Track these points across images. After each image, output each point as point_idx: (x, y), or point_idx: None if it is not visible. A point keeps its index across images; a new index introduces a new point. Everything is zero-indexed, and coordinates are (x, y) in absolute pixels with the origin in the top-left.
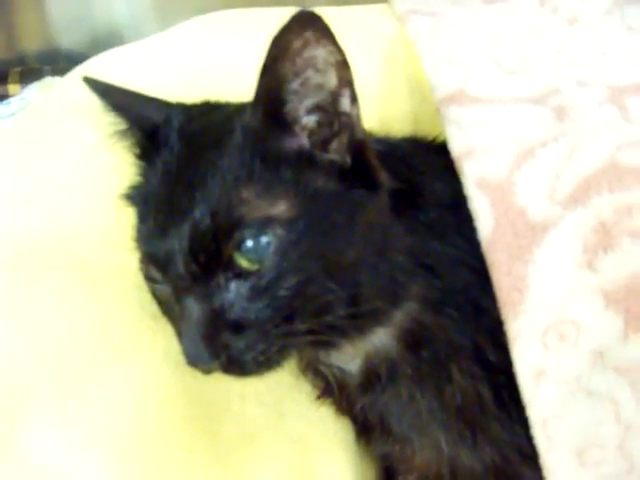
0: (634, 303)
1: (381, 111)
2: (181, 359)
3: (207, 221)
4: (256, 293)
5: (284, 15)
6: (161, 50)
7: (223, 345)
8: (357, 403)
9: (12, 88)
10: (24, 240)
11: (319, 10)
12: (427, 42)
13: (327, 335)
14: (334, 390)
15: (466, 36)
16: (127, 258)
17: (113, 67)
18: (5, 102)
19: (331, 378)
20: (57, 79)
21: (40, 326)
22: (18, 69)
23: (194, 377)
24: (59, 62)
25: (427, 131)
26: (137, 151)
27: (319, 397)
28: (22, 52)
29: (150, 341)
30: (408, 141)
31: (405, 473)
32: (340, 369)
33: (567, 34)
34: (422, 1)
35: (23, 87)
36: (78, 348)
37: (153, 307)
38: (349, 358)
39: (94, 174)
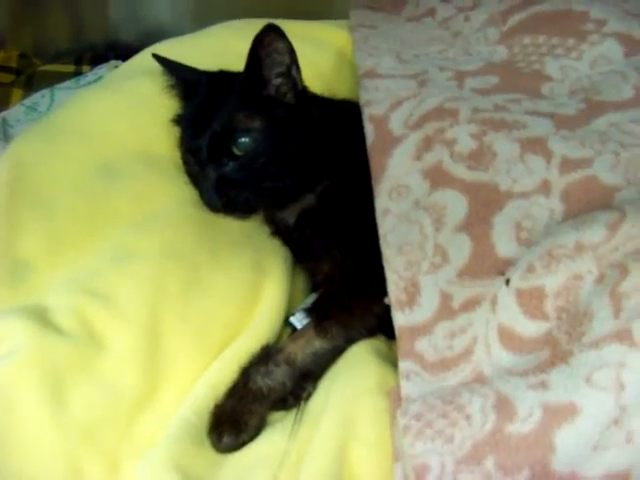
0: (435, 175)
1: (333, 86)
2: (199, 204)
3: (219, 129)
4: (242, 167)
5: (288, 26)
6: (196, 43)
7: (225, 194)
8: (292, 235)
9: (85, 68)
10: (118, 138)
11: (291, 24)
12: (361, 43)
13: (281, 193)
14: (281, 231)
15: (386, 41)
16: (173, 151)
17: (164, 52)
18: (83, 76)
19: (279, 224)
20: (119, 62)
21: (130, 184)
22: (89, 54)
23: (204, 214)
24: (119, 50)
25: None
26: (181, 96)
27: (272, 234)
28: (92, 42)
29: (182, 194)
30: (343, 100)
31: (317, 275)
32: (285, 220)
33: (449, 42)
34: (367, 18)
35: (93, 67)
36: (148, 184)
37: (185, 178)
38: (290, 214)
39: (156, 106)
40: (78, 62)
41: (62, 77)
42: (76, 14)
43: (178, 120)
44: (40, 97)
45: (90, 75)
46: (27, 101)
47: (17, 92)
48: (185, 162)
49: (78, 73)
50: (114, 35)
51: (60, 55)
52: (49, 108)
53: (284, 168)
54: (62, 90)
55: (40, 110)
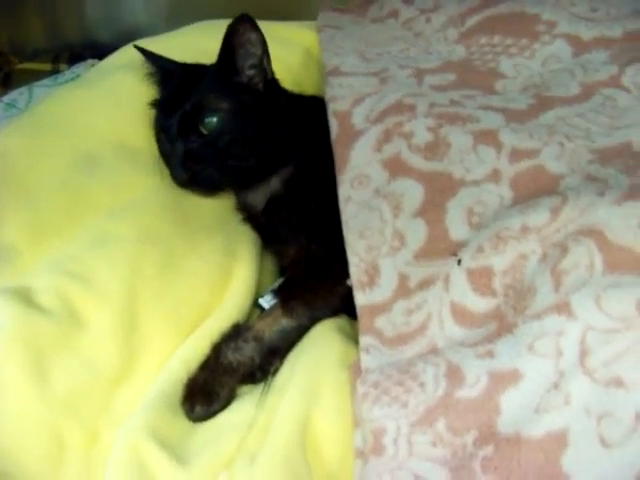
0: (393, 165)
1: (302, 82)
2: (172, 184)
3: (190, 109)
4: (208, 144)
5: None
6: (169, 43)
7: (190, 168)
8: (261, 221)
9: (62, 66)
10: (97, 131)
11: (262, 24)
12: (327, 43)
13: (244, 172)
14: (252, 216)
15: (351, 41)
16: (150, 144)
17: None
18: (61, 74)
19: (250, 210)
20: (95, 61)
21: (108, 175)
22: (66, 53)
23: (179, 201)
24: (95, 49)
25: None
26: (158, 82)
27: (243, 220)
28: (70, 42)
29: (158, 183)
30: (310, 96)
31: (284, 259)
32: (254, 205)
33: (411, 42)
34: (334, 19)
35: (70, 66)
36: (125, 175)
37: (160, 167)
38: (258, 198)
39: (133, 102)
40: (55, 61)
41: (40, 75)
42: (53, 14)
43: (155, 104)
44: (18, 94)
45: (68, 73)
46: (6, 98)
47: None
48: (158, 140)
49: (55, 71)
50: (91, 35)
51: (38, 53)
52: (27, 105)
53: (247, 149)
54: (40, 88)
55: (19, 107)
